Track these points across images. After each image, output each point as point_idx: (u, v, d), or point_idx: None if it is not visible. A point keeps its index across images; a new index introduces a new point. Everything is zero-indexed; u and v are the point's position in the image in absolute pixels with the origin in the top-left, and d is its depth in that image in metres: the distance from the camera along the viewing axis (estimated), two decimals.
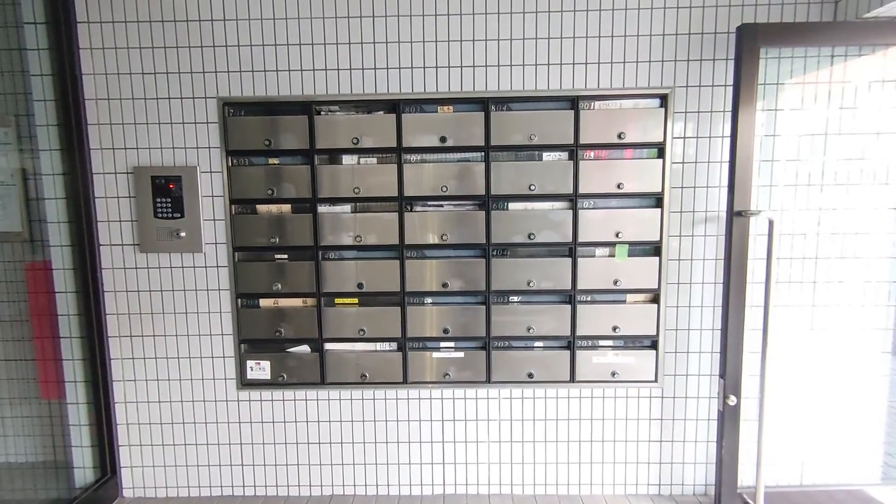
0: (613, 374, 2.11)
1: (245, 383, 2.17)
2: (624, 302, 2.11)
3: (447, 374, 2.14)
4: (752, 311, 1.96)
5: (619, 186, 2.03)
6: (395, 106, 2.05)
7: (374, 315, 2.13)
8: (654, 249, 2.07)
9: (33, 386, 2.26)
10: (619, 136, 2.01)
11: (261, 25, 2.00)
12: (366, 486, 2.22)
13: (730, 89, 1.98)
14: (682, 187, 2.03)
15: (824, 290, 2.08)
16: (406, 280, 2.10)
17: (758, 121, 1.95)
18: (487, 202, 2.06)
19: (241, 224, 2.10)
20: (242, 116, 2.07)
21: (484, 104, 2.03)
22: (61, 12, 1.99)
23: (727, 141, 1.99)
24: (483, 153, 2.05)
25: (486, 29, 1.99)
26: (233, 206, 2.10)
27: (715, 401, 2.12)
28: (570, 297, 2.10)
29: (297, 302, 2.15)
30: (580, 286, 2.08)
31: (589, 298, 2.12)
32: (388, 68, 2.02)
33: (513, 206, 2.08)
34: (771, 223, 1.78)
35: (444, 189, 2.05)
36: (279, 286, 2.11)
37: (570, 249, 2.08)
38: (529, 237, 2.06)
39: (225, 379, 2.17)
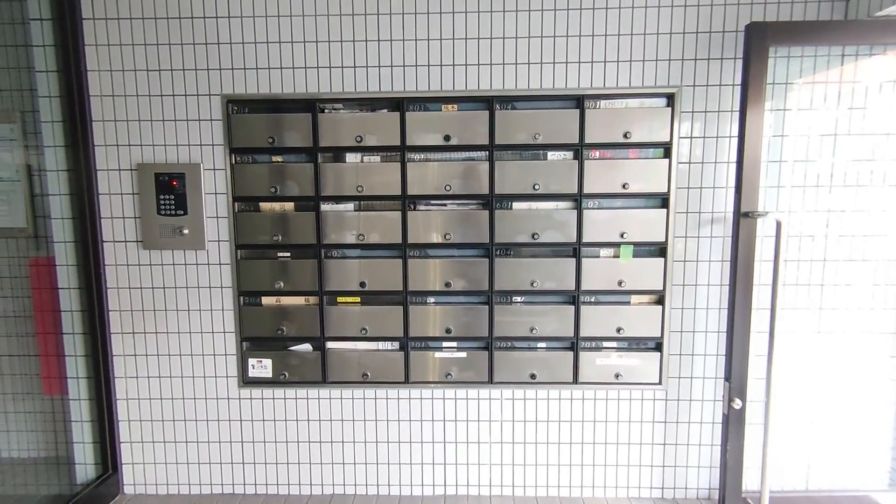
0: (617, 375, 2.09)
1: (247, 381, 2.16)
2: (628, 303, 2.09)
3: (449, 375, 2.13)
4: (757, 314, 1.94)
5: (624, 186, 2.01)
6: (399, 104, 2.04)
7: (377, 314, 2.12)
8: (660, 250, 2.05)
9: (36, 381, 2.27)
10: (625, 136, 1.99)
11: (265, 22, 2.00)
12: (367, 485, 2.21)
13: (737, 89, 1.96)
14: (688, 188, 2.01)
15: (832, 292, 2.05)
16: (409, 279, 2.09)
17: (766, 121, 1.92)
18: (491, 201, 2.05)
19: (244, 222, 2.10)
20: (246, 114, 2.07)
21: (488, 103, 2.02)
22: (67, 9, 2.00)
23: (734, 141, 1.97)
24: (487, 152, 2.04)
25: (491, 27, 1.97)
26: (236, 204, 2.10)
27: (719, 404, 2.09)
28: (573, 298, 2.08)
29: (299, 300, 2.15)
30: (584, 287, 2.06)
31: (593, 299, 2.10)
32: (392, 66, 2.01)
33: (517, 205, 2.07)
34: (779, 224, 1.76)
35: (448, 188, 2.04)
36: (281, 284, 2.10)
37: (575, 250, 2.06)
38: (533, 237, 2.04)
39: (227, 377, 2.17)
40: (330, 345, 2.15)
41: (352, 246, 2.10)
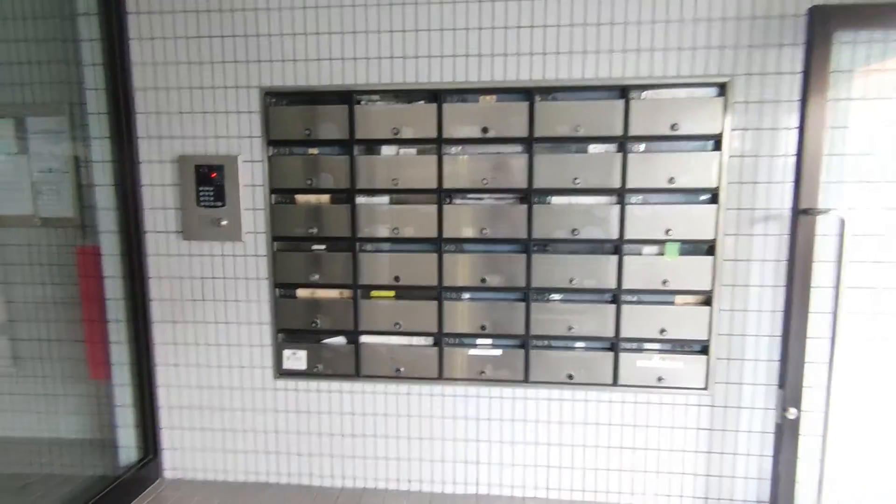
0: (659, 379, 2.01)
1: (281, 373, 2.18)
2: (672, 303, 2.00)
3: (483, 372, 2.08)
4: (813, 318, 1.81)
5: (670, 181, 1.91)
6: (436, 95, 1.99)
7: (410, 309, 2.09)
8: (708, 248, 1.95)
9: (82, 366, 2.35)
10: (672, 128, 1.89)
11: (304, 14, 1.99)
12: (398, 480, 2.19)
13: (796, 77, 1.83)
14: (740, 182, 1.90)
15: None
16: (443, 274, 2.05)
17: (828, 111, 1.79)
18: (529, 195, 1.98)
19: (281, 214, 2.10)
20: (284, 106, 2.07)
21: (528, 94, 1.95)
22: (112, 3, 2.03)
23: (792, 133, 1.84)
24: (526, 145, 1.98)
25: (532, 15, 1.90)
26: (272, 196, 2.10)
27: (770, 412, 1.98)
28: (614, 297, 2.00)
29: (333, 293, 2.14)
30: (625, 285, 1.98)
31: (635, 299, 2.01)
32: (429, 56, 1.97)
33: (555, 200, 2.00)
34: (843, 222, 1.64)
35: (485, 181, 1.98)
36: (316, 277, 2.10)
37: (616, 247, 1.98)
38: (573, 233, 1.97)
39: (262, 367, 2.19)
40: (363, 339, 2.14)
41: (386, 240, 2.07)
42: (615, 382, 2.03)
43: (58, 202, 2.31)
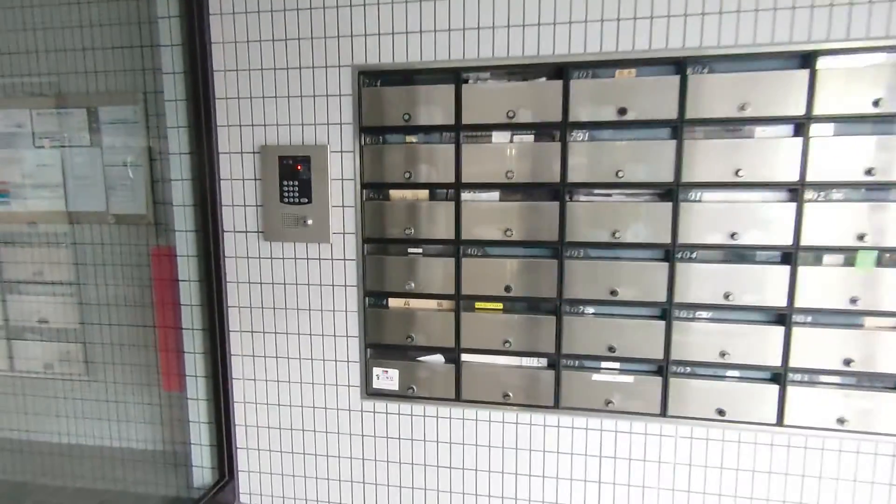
0: (840, 420, 1.60)
1: (370, 392, 1.91)
2: (862, 327, 1.59)
3: (610, 402, 1.74)
4: None
5: (868, 172, 1.50)
6: (560, 71, 1.66)
7: (523, 324, 1.78)
8: None
9: (155, 375, 2.17)
10: (875, 104, 1.48)
11: None
12: None
13: None
14: None
15: None
16: (564, 284, 1.72)
17: None
18: (675, 191, 1.62)
19: (373, 212, 1.83)
20: (378, 87, 1.79)
21: (679, 65, 1.59)
22: None
23: None
24: (674, 128, 1.61)
25: None
26: (364, 191, 1.83)
27: None
28: (783, 317, 1.61)
29: (431, 304, 1.85)
30: (798, 303, 1.59)
31: (809, 319, 1.62)
32: (554, 23, 1.63)
33: (709, 196, 1.63)
34: None
35: (620, 175, 1.63)
36: (412, 285, 1.82)
37: (789, 255, 1.58)
38: (732, 237, 1.59)
39: (349, 386, 1.93)
40: (465, 357, 1.84)
41: (496, 243, 1.76)
42: (780, 422, 1.64)
43: (131, 198, 2.13)
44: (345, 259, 1.87)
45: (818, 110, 1.51)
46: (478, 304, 1.83)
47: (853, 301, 1.55)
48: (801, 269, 1.58)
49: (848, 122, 1.52)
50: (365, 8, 1.73)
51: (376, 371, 1.90)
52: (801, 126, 1.54)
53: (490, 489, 1.88)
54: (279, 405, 2.00)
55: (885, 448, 1.60)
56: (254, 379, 2.00)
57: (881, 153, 1.49)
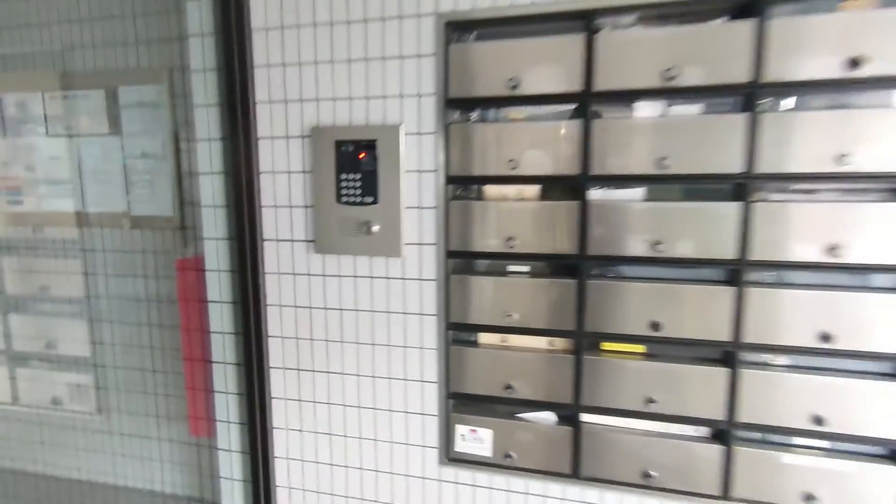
0: None
1: (452, 458, 1.42)
2: None
3: (812, 499, 1.17)
4: None
5: None
6: (746, 7, 1.11)
7: (675, 376, 1.24)
8: None
9: (182, 418, 1.76)
10: None
11: None
12: None
13: None
14: None
15: None
16: (742, 322, 1.17)
17: None
18: None
19: (461, 215, 1.33)
20: (473, 43, 1.29)
21: None
22: None
23: None
24: None
25: None
26: (450, 188, 1.34)
27: None
28: None
29: (539, 342, 1.35)
30: None
31: None
32: None
33: None
34: None
35: (843, 160, 1.07)
36: (514, 315, 1.31)
37: None
38: None
39: (423, 446, 1.45)
40: (588, 418, 1.32)
41: (639, 260, 1.23)
42: None
43: (152, 196, 1.72)
44: (421, 279, 1.38)
45: None
46: (607, 345, 1.30)
47: None
48: None
49: None
50: None
51: (461, 430, 1.41)
52: None
53: None
54: (331, 465, 1.54)
55: None
56: (300, 430, 1.55)
57: None
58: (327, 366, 1.50)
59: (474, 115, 1.34)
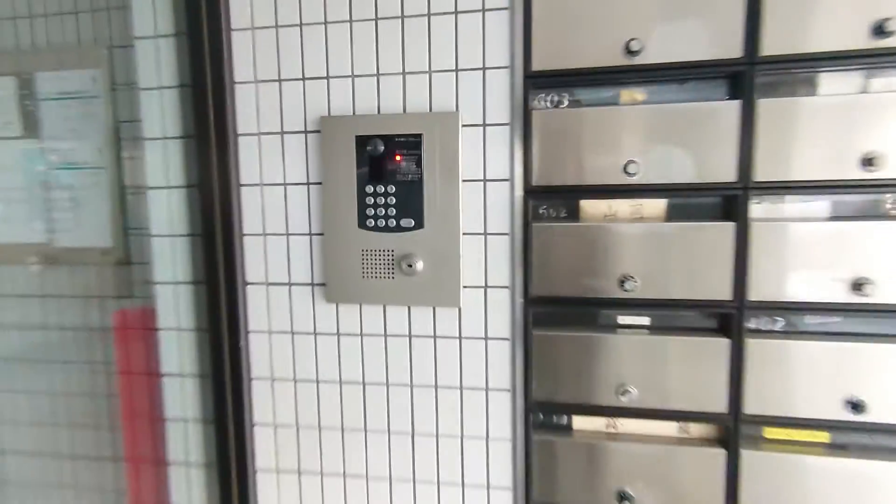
0: None
1: None
2: None
3: None
4: None
5: None
6: None
7: (880, 479, 0.82)
8: None
9: None
10: None
11: None
12: None
13: None
14: None
15: None
16: None
17: None
18: None
19: (548, 244, 0.90)
20: None
21: None
22: None
23: None
24: None
25: None
26: (531, 204, 0.90)
27: None
28: None
29: (666, 428, 0.92)
30: None
31: None
32: None
33: None
34: None
35: None
36: (627, 390, 0.87)
37: None
38: None
39: None
40: None
41: (827, 308, 0.82)
42: None
43: (81, 220, 1.23)
44: (487, 337, 0.94)
45: None
46: (772, 433, 0.88)
47: None
48: None
49: None
50: None
51: None
52: None
53: None
54: None
55: None
56: None
57: None
58: (343, 467, 1.02)
59: (569, 96, 0.91)
